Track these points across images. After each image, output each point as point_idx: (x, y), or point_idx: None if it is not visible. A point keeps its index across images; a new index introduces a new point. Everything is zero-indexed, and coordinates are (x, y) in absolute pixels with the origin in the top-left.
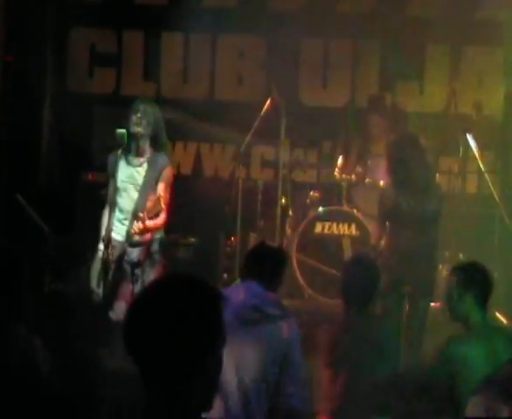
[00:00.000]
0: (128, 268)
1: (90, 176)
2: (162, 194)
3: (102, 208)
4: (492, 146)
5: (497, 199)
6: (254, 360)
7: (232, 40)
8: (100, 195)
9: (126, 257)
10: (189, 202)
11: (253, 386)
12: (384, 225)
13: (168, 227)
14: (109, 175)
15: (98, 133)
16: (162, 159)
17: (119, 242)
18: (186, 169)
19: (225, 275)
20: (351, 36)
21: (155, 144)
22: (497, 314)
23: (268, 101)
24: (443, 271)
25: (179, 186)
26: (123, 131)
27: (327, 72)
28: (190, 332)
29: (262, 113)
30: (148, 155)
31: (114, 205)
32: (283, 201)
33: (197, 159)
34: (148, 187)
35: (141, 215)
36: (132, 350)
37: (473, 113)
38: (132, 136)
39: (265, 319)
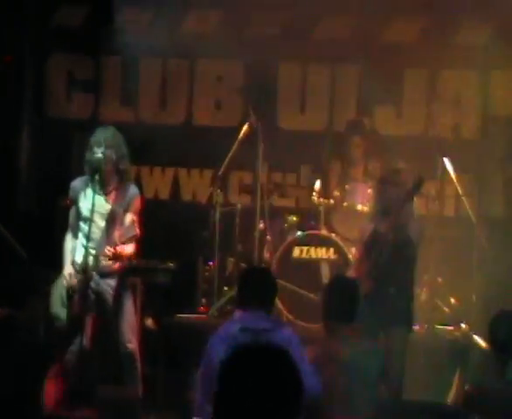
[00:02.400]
0: (92, 297)
1: (68, 202)
2: (135, 218)
3: None
4: (469, 168)
5: (475, 222)
6: None
7: (210, 65)
8: None
9: (94, 287)
10: (167, 227)
11: None
12: (363, 251)
13: (146, 252)
14: (71, 201)
15: (76, 158)
16: (132, 188)
17: (84, 270)
18: (164, 194)
19: (204, 299)
20: (329, 60)
21: (118, 172)
22: (475, 337)
23: (246, 126)
24: (422, 294)
25: (157, 211)
26: (100, 156)
27: (305, 97)
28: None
29: (240, 137)
30: (115, 184)
31: (76, 232)
32: (261, 225)
33: (175, 184)
34: (116, 216)
35: (114, 238)
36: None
37: (450, 136)
38: (97, 165)
39: (254, 335)
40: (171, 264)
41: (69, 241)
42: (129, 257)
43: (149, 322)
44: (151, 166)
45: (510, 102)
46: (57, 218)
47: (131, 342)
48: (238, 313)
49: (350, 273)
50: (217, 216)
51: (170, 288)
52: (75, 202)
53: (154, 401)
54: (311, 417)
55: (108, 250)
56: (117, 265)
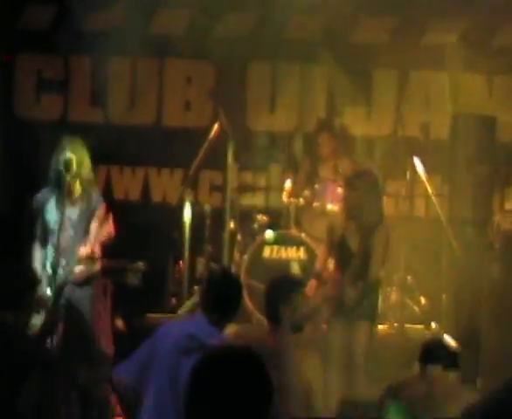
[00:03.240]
0: (64, 307)
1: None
2: (93, 241)
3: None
4: (439, 169)
5: (444, 222)
6: None
7: (180, 65)
8: None
9: (67, 297)
10: (137, 227)
11: None
12: (330, 251)
13: (116, 252)
14: (36, 213)
15: (45, 159)
16: (96, 196)
17: (55, 280)
18: (134, 194)
19: (174, 300)
20: (299, 60)
21: (82, 181)
22: (445, 336)
23: (216, 126)
24: (392, 293)
25: (127, 211)
26: (70, 156)
27: (274, 97)
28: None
29: (210, 137)
30: (79, 193)
31: (44, 243)
32: (231, 225)
33: (145, 184)
34: (82, 225)
35: (90, 238)
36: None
37: (420, 136)
38: (61, 175)
39: (201, 348)
40: (141, 264)
41: (37, 252)
42: (97, 258)
43: (119, 323)
44: (121, 166)
45: (480, 102)
46: (26, 219)
47: (107, 348)
48: (195, 317)
49: (315, 272)
50: (188, 216)
51: (140, 289)
52: (41, 213)
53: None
54: None
55: (84, 250)
56: (89, 272)
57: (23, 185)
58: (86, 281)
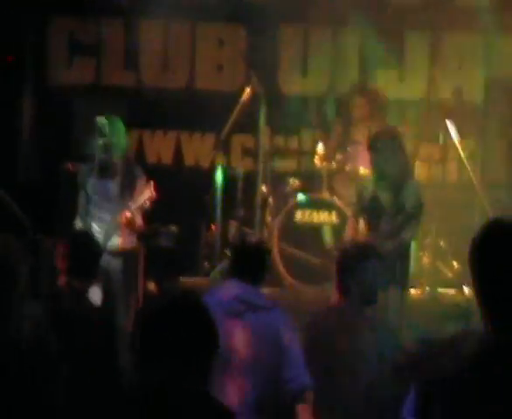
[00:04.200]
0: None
1: (70, 166)
2: (133, 208)
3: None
4: (472, 132)
5: (477, 186)
6: (248, 352)
7: (212, 29)
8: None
9: (104, 266)
10: (169, 191)
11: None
12: (359, 215)
13: (148, 217)
14: (80, 185)
15: (78, 124)
16: (137, 170)
17: None
18: (166, 158)
19: (206, 263)
20: (331, 24)
21: (121, 155)
22: None
23: (248, 90)
24: (424, 258)
25: (159, 175)
26: (103, 119)
27: (306, 60)
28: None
29: (242, 101)
30: (119, 166)
31: (86, 216)
32: (263, 189)
33: (177, 148)
34: (123, 198)
35: (130, 205)
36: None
37: (453, 99)
38: (103, 148)
39: (251, 309)
40: (173, 228)
41: (80, 224)
42: (137, 227)
43: (152, 286)
44: (153, 130)
45: None
46: (60, 185)
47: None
48: (233, 283)
49: (347, 232)
50: (220, 179)
51: (173, 252)
52: (83, 186)
53: None
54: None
55: (125, 215)
56: (127, 244)
57: (55, 151)
58: (119, 253)
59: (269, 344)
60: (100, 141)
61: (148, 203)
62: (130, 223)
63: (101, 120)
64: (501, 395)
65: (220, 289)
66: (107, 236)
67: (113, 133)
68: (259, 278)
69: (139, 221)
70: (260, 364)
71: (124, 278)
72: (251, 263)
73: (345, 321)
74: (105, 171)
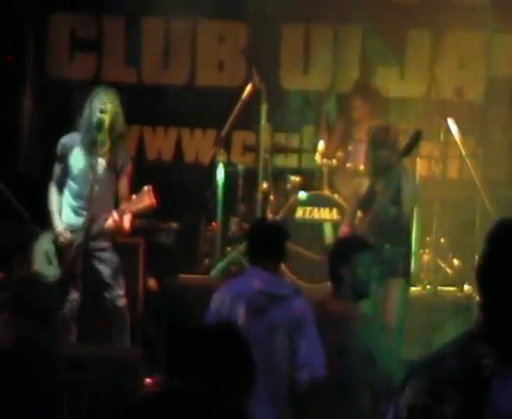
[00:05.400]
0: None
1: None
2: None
3: None
4: (473, 131)
5: (478, 184)
6: (270, 347)
7: (213, 25)
8: None
9: (87, 246)
10: (169, 187)
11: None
12: (356, 213)
13: (148, 213)
14: (59, 156)
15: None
16: (123, 154)
17: (75, 228)
18: (167, 155)
19: (206, 260)
20: (333, 20)
21: (114, 134)
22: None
23: (249, 86)
24: (424, 255)
25: (160, 171)
26: (101, 117)
27: (308, 57)
28: None
29: (243, 97)
30: (109, 146)
31: (63, 188)
32: (264, 186)
33: (178, 144)
34: (108, 178)
35: (122, 207)
36: None
37: (454, 97)
38: (97, 125)
39: (273, 301)
40: (174, 225)
41: (54, 195)
42: (125, 234)
43: (152, 283)
44: (154, 126)
45: None
46: None
47: (120, 297)
48: (254, 272)
49: (343, 228)
50: (220, 176)
51: (173, 249)
52: (64, 158)
53: (156, 363)
54: (304, 404)
55: (114, 219)
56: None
57: (55, 145)
58: (98, 235)
59: (288, 336)
60: (98, 115)
61: (145, 211)
62: (117, 227)
63: (103, 106)
64: None
65: (240, 280)
66: (88, 233)
67: (111, 108)
68: (279, 263)
69: (127, 225)
70: (278, 359)
71: (120, 268)
72: (272, 248)
73: (335, 313)
74: (94, 147)
